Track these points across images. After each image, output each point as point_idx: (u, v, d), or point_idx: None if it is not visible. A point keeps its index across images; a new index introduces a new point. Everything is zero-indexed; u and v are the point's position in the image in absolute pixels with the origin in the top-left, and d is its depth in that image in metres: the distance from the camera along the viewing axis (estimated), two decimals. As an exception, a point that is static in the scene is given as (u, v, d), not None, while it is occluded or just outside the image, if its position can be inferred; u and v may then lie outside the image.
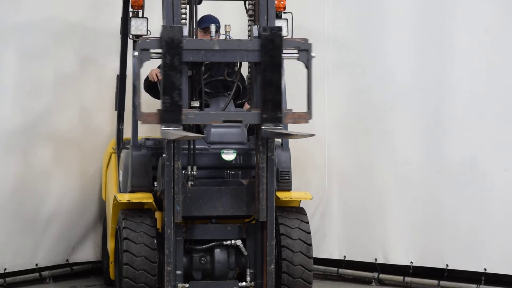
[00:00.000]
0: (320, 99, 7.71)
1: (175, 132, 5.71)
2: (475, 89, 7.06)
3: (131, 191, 6.37)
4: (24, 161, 7.40)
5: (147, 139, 6.68)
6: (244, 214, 6.21)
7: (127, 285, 6.05)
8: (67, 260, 7.76)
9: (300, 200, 6.45)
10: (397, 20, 7.42)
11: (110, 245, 6.81)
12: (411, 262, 7.37)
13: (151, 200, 6.24)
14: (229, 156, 6.36)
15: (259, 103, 5.99)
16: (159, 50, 5.91)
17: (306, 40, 6.04)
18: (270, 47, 5.94)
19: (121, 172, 6.82)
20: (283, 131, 5.94)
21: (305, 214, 6.36)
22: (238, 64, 6.75)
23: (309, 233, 6.29)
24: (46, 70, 7.53)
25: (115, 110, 7.29)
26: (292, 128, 6.66)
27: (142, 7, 6.44)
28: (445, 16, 7.19)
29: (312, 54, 6.03)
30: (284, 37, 6.11)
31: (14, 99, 7.31)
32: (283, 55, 6.00)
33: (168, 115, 5.83)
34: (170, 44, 5.85)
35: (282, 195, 6.29)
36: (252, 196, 6.13)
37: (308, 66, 6.03)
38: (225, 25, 6.22)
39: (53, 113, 7.58)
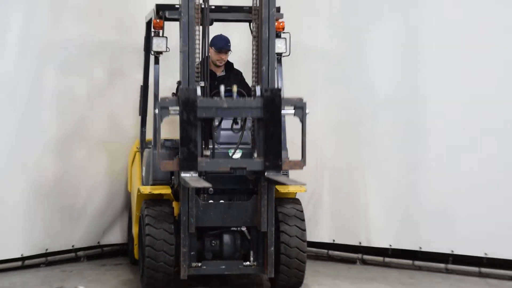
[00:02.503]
0: (313, 106, 7.36)
1: (190, 180, 5.70)
2: (444, 100, 7.04)
3: (153, 184, 6.39)
4: (62, 159, 7.43)
5: (166, 140, 6.64)
6: (248, 225, 6.24)
7: (149, 263, 6.09)
8: (98, 242, 7.80)
9: (296, 192, 6.44)
10: (380, 40, 7.36)
11: (135, 230, 6.84)
12: (390, 245, 7.39)
13: (169, 192, 6.25)
14: (235, 155, 6.34)
15: (262, 152, 6.00)
16: (177, 108, 5.90)
17: (301, 99, 6.05)
18: (271, 105, 5.97)
19: (144, 168, 6.83)
20: (281, 179, 5.88)
21: (300, 204, 6.38)
22: (240, 81, 6.77)
23: (304, 220, 6.31)
24: (81, 82, 7.56)
25: (139, 115, 7.29)
26: (294, 122, 6.51)
27: (162, 27, 6.46)
28: (421, 37, 7.17)
29: (307, 111, 6.02)
30: (282, 97, 6.02)
31: (54, 107, 7.33)
32: (282, 111, 5.99)
33: (186, 164, 5.85)
34: (186, 103, 5.87)
35: (280, 188, 6.28)
36: (255, 210, 6.16)
37: (302, 121, 6.03)
38: (233, 86, 6.16)
39: (86, 118, 7.60)
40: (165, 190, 6.23)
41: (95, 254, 7.77)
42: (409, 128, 7.25)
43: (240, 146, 6.37)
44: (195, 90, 5.92)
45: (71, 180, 7.51)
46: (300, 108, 6.03)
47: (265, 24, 6.05)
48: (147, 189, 6.33)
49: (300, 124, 5.98)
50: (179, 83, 6.34)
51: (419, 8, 7.19)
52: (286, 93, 6.68)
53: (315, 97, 7.72)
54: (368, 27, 7.45)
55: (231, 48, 6.91)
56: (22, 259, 7.18)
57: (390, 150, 7.34)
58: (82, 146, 7.61)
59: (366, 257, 7.52)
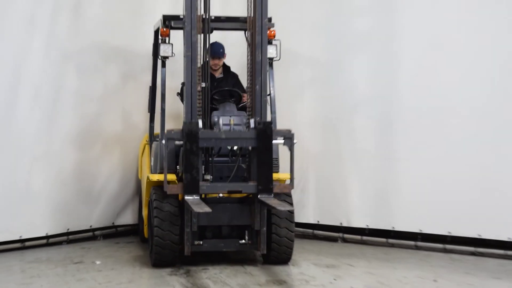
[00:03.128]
0: (300, 104, 7.72)
1: (192, 204, 5.71)
2: (415, 98, 7.07)
3: (160, 172, 6.35)
4: (81, 151, 7.47)
5: None
6: (245, 224, 6.21)
7: (157, 242, 6.13)
8: (113, 223, 7.84)
9: (286, 180, 6.38)
10: (358, 45, 7.37)
11: (144, 212, 6.88)
12: (367, 225, 7.42)
13: (174, 179, 6.24)
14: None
15: (256, 177, 6.00)
16: (181, 139, 5.91)
17: (289, 130, 6.07)
18: (263, 136, 5.99)
19: (152, 158, 6.88)
20: (272, 202, 5.86)
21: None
22: (235, 82, 6.74)
23: (292, 204, 6.33)
24: (97, 83, 7.56)
25: (148, 112, 7.28)
26: (283, 118, 6.80)
27: (168, 35, 6.47)
28: (395, 42, 7.18)
29: (294, 141, 6.03)
30: (273, 129, 5.99)
31: (74, 105, 7.37)
32: (273, 141, 6.01)
33: (189, 188, 5.90)
34: (189, 135, 5.92)
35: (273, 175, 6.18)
36: (249, 210, 6.18)
37: (291, 150, 6.03)
38: (230, 119, 6.19)
39: (102, 115, 7.62)
40: (171, 177, 6.20)
41: (110, 233, 7.80)
42: (384, 123, 7.27)
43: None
44: (197, 124, 5.93)
45: (89, 169, 7.53)
46: (289, 138, 6.04)
47: (258, 48, 6.01)
48: (155, 177, 6.35)
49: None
50: (183, 84, 6.33)
51: (393, 16, 7.20)
52: (277, 93, 6.73)
53: (302, 96, 7.75)
54: (347, 34, 7.44)
55: (231, 52, 6.88)
56: (47, 237, 7.23)
57: (368, 142, 7.34)
58: (98, 139, 7.63)
59: (346, 236, 7.55)
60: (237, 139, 6.04)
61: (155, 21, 6.89)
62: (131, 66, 7.80)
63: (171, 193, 5.98)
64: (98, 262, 6.57)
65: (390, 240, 7.29)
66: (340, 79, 7.51)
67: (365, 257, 6.83)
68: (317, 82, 7.68)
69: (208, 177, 6.16)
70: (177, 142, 6.33)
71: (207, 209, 5.60)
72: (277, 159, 6.48)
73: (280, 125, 6.61)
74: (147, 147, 7.29)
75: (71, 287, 5.73)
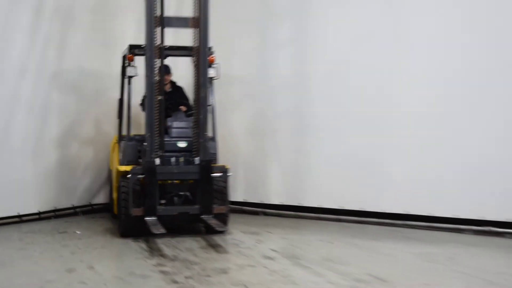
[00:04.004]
0: (236, 115, 7.91)
1: (151, 225, 5.87)
2: (322, 107, 7.32)
3: (126, 164, 6.57)
4: (63, 151, 7.63)
5: (135, 135, 6.85)
6: (193, 222, 6.32)
7: (124, 220, 6.33)
8: (90, 202, 8.01)
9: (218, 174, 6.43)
10: (278, 68, 7.55)
11: (114, 195, 7.07)
12: (281, 202, 7.72)
13: None
14: (182, 144, 6.55)
15: (199, 201, 6.23)
16: (142, 174, 6.09)
17: (224, 166, 6.31)
18: (205, 171, 6.23)
19: (120, 154, 6.99)
20: (211, 222, 6.07)
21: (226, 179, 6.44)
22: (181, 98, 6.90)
23: (227, 221, 6.52)
24: (76, 97, 7.69)
25: (117, 118, 7.40)
26: (223, 123, 7.04)
27: (133, 60, 6.61)
28: (305, 65, 7.33)
29: (229, 174, 6.24)
30: (213, 165, 6.16)
31: (57, 116, 7.54)
32: (212, 175, 6.25)
33: (149, 211, 6.10)
34: (149, 170, 6.14)
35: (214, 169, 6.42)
36: (197, 218, 6.33)
37: (226, 182, 6.23)
38: (179, 158, 6.25)
39: (80, 122, 7.77)
40: None
41: (88, 210, 7.94)
42: (298, 126, 7.52)
43: (185, 139, 6.49)
44: (154, 162, 6.12)
45: (71, 163, 7.71)
46: (225, 172, 6.29)
47: (202, 87, 6.12)
48: (123, 168, 6.49)
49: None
50: (144, 96, 6.45)
51: (306, 47, 7.41)
52: (218, 106, 6.90)
53: (237, 109, 7.95)
54: (270, 60, 7.63)
55: (179, 72, 7.13)
56: (39, 213, 7.43)
57: (286, 141, 7.59)
58: (76, 142, 7.78)
59: (266, 210, 7.81)
60: (185, 173, 6.24)
61: (123, 49, 7.04)
62: (103, 84, 7.89)
63: (135, 214, 6.07)
64: (78, 232, 6.69)
65: (299, 213, 7.55)
66: (265, 94, 7.73)
67: (280, 226, 7.03)
68: (248, 98, 7.90)
69: (163, 201, 6.27)
70: (139, 139, 6.56)
71: (162, 230, 5.76)
72: (215, 154, 6.68)
73: (220, 127, 6.86)
74: (116, 145, 7.40)
75: (58, 251, 5.84)
